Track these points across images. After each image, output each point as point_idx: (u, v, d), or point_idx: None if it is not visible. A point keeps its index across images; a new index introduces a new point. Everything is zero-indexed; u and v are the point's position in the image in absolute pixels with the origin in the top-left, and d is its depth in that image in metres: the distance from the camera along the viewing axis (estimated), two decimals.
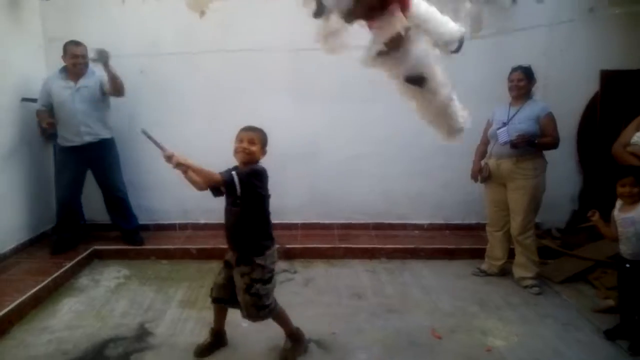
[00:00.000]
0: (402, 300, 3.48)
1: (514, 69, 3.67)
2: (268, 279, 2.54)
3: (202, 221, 4.76)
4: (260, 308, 2.54)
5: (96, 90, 4.10)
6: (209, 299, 3.37)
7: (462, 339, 2.92)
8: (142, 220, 4.57)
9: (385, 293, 3.63)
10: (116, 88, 4.06)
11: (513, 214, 3.65)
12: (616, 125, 3.50)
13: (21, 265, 3.84)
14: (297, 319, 3.13)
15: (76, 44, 4.01)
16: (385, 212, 4.86)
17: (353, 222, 4.86)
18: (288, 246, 4.31)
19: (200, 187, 2.49)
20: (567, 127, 4.65)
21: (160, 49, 4.49)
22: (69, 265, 3.82)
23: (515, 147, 3.49)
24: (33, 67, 4.42)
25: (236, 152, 2.50)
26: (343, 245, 4.40)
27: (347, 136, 4.68)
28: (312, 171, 4.72)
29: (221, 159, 4.75)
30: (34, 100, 4.24)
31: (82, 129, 4.05)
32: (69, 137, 4.09)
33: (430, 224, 4.86)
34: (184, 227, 4.78)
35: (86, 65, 4.07)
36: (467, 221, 4.84)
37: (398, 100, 4.72)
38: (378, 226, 4.87)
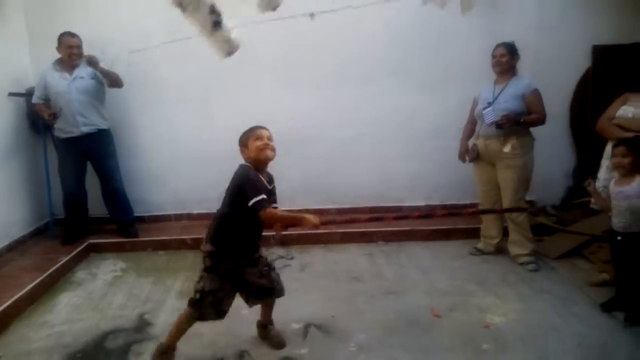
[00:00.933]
0: (400, 282, 3.50)
1: (498, 45, 3.62)
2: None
3: (196, 211, 4.76)
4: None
5: (91, 81, 4.10)
6: None
7: (460, 317, 2.95)
8: (138, 212, 4.56)
9: (383, 275, 3.65)
10: (112, 82, 4.16)
11: (503, 192, 3.65)
12: (609, 100, 3.48)
13: (16, 261, 3.82)
14: (296, 304, 3.16)
15: (71, 35, 4.01)
16: (382, 195, 4.85)
17: (349, 206, 4.85)
18: (284, 232, 4.28)
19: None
20: (560, 103, 4.66)
21: (148, 40, 4.41)
22: (64, 260, 3.80)
23: (500, 128, 3.45)
24: (18, 62, 4.36)
25: (261, 150, 2.36)
26: (340, 230, 4.40)
27: (341, 120, 4.66)
28: (306, 156, 4.70)
29: (216, 146, 4.76)
30: (21, 95, 4.19)
31: (79, 119, 4.04)
32: (67, 128, 4.07)
33: (427, 206, 4.87)
34: (179, 217, 4.76)
35: (80, 56, 4.07)
36: (462, 201, 4.83)
37: (391, 82, 4.74)
38: (374, 210, 4.86)
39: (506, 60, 3.55)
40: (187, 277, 3.66)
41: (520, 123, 3.45)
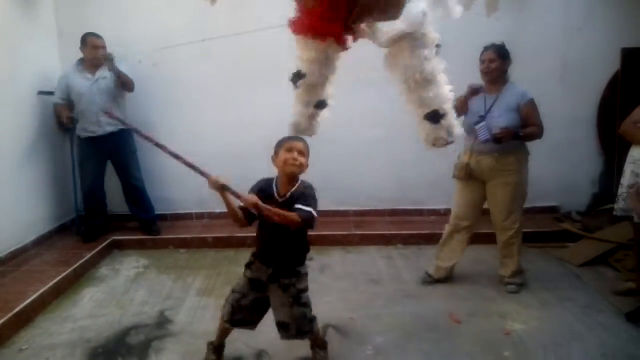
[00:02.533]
0: (419, 286, 3.47)
1: (485, 48, 3.24)
2: (307, 287, 2.42)
3: (218, 210, 4.78)
4: (312, 320, 2.41)
5: (114, 82, 4.17)
6: (224, 288, 3.44)
7: (480, 323, 2.91)
8: (160, 210, 4.63)
9: (401, 279, 3.62)
10: (123, 84, 4.20)
11: (496, 211, 3.29)
12: (638, 104, 3.39)
13: (43, 256, 3.92)
14: (315, 305, 3.13)
15: (96, 36, 4.10)
16: (401, 198, 4.83)
17: (368, 209, 4.84)
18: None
19: (243, 225, 2.29)
20: (587, 107, 4.57)
21: (172, 39, 4.48)
22: (89, 255, 3.89)
23: (499, 143, 3.08)
24: (48, 61, 4.48)
25: (285, 163, 2.27)
26: (359, 232, 4.39)
27: (359, 121, 4.64)
28: (325, 158, 4.68)
29: (236, 148, 4.81)
30: (50, 94, 4.30)
31: (102, 119, 4.12)
32: (90, 127, 4.16)
33: (447, 210, 4.76)
34: (200, 216, 4.82)
35: (104, 57, 4.12)
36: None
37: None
38: (394, 212, 4.84)
39: (496, 66, 3.17)
40: (207, 276, 3.71)
41: (518, 137, 3.12)
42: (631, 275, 3.37)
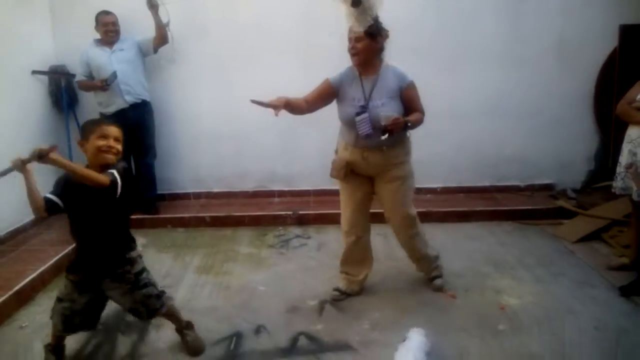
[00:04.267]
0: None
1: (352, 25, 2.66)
2: (144, 267, 2.34)
3: (215, 190, 4.81)
4: (160, 295, 2.35)
5: (133, 53, 4.22)
6: (222, 266, 3.47)
7: (475, 299, 2.95)
8: (158, 190, 4.63)
9: (397, 256, 3.64)
10: (162, 37, 4.23)
11: (388, 208, 2.92)
12: (636, 81, 3.39)
13: (41, 235, 3.93)
14: (312, 281, 3.21)
15: (106, 13, 4.14)
16: None
17: None
18: (301, 212, 4.34)
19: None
20: (584, 84, 4.56)
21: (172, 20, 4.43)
22: None
23: (390, 134, 2.57)
24: (41, 41, 4.41)
25: (99, 151, 2.08)
26: None
27: None
28: (321, 137, 4.68)
29: (235, 124, 4.80)
30: (44, 73, 4.26)
31: (122, 87, 4.12)
32: (110, 100, 4.14)
33: (444, 188, 4.84)
34: (197, 195, 4.83)
35: (117, 32, 4.18)
36: (480, 184, 4.80)
37: (408, 62, 4.60)
38: None
39: (364, 46, 2.59)
40: (205, 254, 3.74)
41: (407, 127, 2.65)
42: (624, 250, 3.41)
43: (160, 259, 3.67)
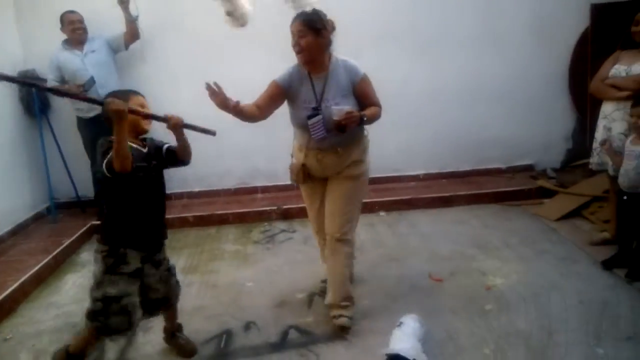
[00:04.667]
0: (402, 250, 3.52)
1: (294, 19, 2.41)
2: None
3: (197, 189, 4.75)
4: (179, 284, 2.43)
5: (104, 53, 4.13)
6: (208, 265, 3.44)
7: (461, 280, 2.98)
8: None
9: (384, 244, 3.67)
10: (133, 33, 4.16)
11: (331, 209, 2.60)
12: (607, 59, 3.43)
13: (20, 246, 3.83)
14: (300, 274, 3.20)
15: (71, 12, 4.04)
16: (380, 166, 4.79)
17: None
18: (285, 207, 4.32)
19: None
20: (559, 64, 4.62)
21: (141, 15, 4.33)
22: (68, 242, 3.83)
23: (343, 131, 2.36)
24: (9, 46, 4.29)
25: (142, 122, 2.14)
26: None
27: None
28: None
29: (214, 122, 4.72)
30: (9, 79, 4.14)
31: (100, 91, 3.99)
32: (88, 106, 4.00)
33: (426, 174, 4.87)
34: (179, 196, 4.76)
35: (85, 31, 4.09)
36: (461, 168, 4.84)
37: (382, 49, 4.59)
38: (374, 180, 4.80)
39: (308, 42, 2.34)
40: (190, 254, 3.70)
41: (363, 121, 2.45)
42: (605, 225, 3.47)
43: None
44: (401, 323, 2.34)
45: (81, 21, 4.06)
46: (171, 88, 4.52)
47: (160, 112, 4.44)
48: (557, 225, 3.72)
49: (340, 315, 2.53)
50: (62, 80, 4.06)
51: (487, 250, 3.38)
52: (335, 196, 2.57)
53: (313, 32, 2.35)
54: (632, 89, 2.95)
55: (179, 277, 3.24)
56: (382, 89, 4.51)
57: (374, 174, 4.76)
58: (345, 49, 4.47)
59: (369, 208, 4.37)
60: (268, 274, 3.28)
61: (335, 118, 2.32)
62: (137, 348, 2.55)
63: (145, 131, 2.15)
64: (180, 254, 3.71)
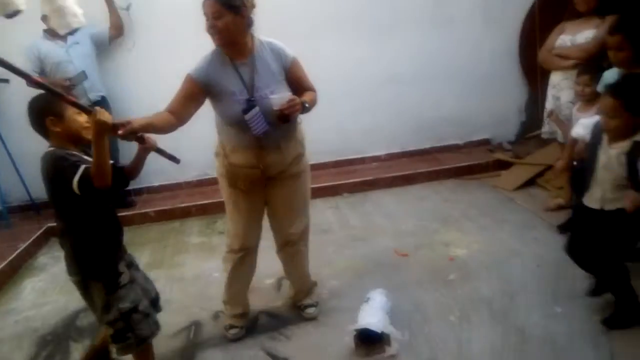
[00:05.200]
0: (367, 229, 3.57)
1: None
2: None
3: (156, 184, 4.64)
4: None
5: (88, 46, 3.97)
6: (173, 259, 3.37)
7: (426, 254, 3.05)
8: None
9: (350, 225, 3.70)
10: (117, 24, 4.04)
11: (281, 213, 2.41)
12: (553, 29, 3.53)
13: None
14: (268, 261, 3.15)
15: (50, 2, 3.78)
16: (342, 149, 4.86)
17: (312, 162, 4.81)
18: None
19: None
20: (508, 39, 4.72)
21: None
22: (24, 246, 3.67)
23: (287, 121, 2.11)
24: None
25: (84, 127, 1.84)
26: None
27: None
28: None
29: None
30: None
31: (86, 85, 3.89)
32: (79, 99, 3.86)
33: (388, 154, 4.91)
34: (138, 191, 4.62)
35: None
36: (421, 147, 4.91)
37: (338, 33, 4.54)
38: (337, 164, 4.88)
39: (226, 23, 2.01)
40: (154, 249, 3.63)
41: (305, 109, 2.19)
42: (560, 192, 3.61)
43: None
44: (368, 298, 2.38)
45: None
46: (153, 79, 4.31)
47: (139, 106, 4.23)
48: (514, 195, 3.85)
49: (310, 306, 2.56)
50: (43, 73, 3.81)
51: (449, 223, 3.46)
52: (286, 198, 2.36)
53: (230, 11, 2.01)
54: (577, 58, 3.06)
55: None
56: (342, 72, 4.58)
57: (337, 157, 4.87)
58: (301, 34, 4.48)
59: (334, 190, 4.40)
60: None
61: (277, 108, 2.05)
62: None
63: (88, 141, 1.81)
64: (143, 250, 3.63)
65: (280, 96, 2.08)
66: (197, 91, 2.13)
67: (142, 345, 1.98)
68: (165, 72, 4.30)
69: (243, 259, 2.43)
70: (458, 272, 2.77)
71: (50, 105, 1.79)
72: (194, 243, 3.68)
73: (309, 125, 4.97)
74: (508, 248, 2.99)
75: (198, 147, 4.58)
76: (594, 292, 2.43)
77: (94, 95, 3.95)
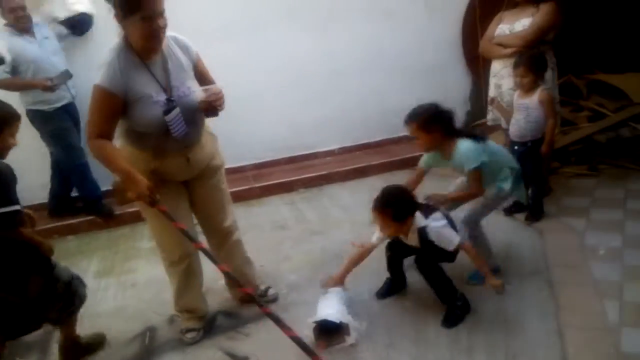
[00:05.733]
0: (324, 223, 3.57)
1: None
2: None
3: (104, 188, 4.41)
4: None
5: (55, 40, 3.76)
6: (124, 265, 3.25)
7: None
8: (35, 199, 4.16)
9: (307, 219, 3.70)
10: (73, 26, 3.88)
11: (213, 212, 2.40)
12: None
13: None
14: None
15: None
16: (295, 145, 4.84)
17: (265, 160, 4.80)
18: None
19: None
20: (451, 30, 4.85)
21: None
22: None
23: (215, 114, 2.15)
24: None
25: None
26: (258, 185, 4.36)
27: (236, 74, 4.43)
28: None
29: None
30: None
31: (68, 82, 3.72)
32: (54, 97, 3.65)
33: (341, 148, 4.94)
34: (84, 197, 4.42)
35: (29, 18, 3.60)
36: (373, 139, 4.98)
37: (280, 27, 4.47)
38: (291, 160, 4.86)
39: (165, 21, 1.94)
40: (103, 257, 3.49)
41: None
42: None
43: None
44: (326, 291, 2.38)
45: (24, 8, 3.54)
46: None
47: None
48: None
49: (267, 288, 2.63)
50: (16, 73, 3.54)
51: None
52: (215, 193, 2.35)
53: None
54: (515, 46, 3.17)
55: (92, 282, 3.10)
56: (289, 67, 4.55)
57: (290, 153, 4.84)
58: (246, 29, 4.41)
59: (289, 187, 4.38)
60: None
61: (204, 99, 2.04)
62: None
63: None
64: (92, 257, 3.49)
65: (204, 88, 2.05)
66: (119, 103, 1.94)
67: None
68: None
69: (189, 267, 2.35)
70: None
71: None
72: (145, 248, 3.55)
73: (259, 121, 4.95)
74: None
75: None
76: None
77: (74, 91, 3.79)
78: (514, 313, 2.26)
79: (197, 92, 2.05)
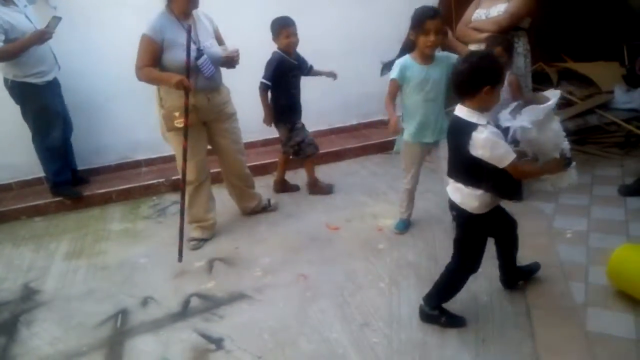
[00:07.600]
0: (299, 205, 3.57)
1: None
2: None
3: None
4: None
5: (30, 6, 3.62)
6: (94, 247, 3.19)
7: (356, 226, 3.11)
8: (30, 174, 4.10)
9: (281, 202, 3.68)
10: None
11: (232, 149, 3.13)
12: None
13: None
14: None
15: None
16: (270, 128, 4.79)
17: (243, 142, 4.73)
18: (174, 177, 4.11)
19: None
20: None
21: None
22: None
23: (233, 66, 3.00)
24: None
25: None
26: None
27: None
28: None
29: (82, 98, 4.25)
30: None
31: (54, 55, 3.63)
32: (46, 69, 3.56)
33: (316, 131, 4.88)
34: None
35: None
36: (349, 123, 4.98)
37: (260, 11, 4.37)
38: (265, 142, 4.82)
39: None
40: (72, 239, 3.39)
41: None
42: None
43: (20, 253, 3.25)
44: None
45: None
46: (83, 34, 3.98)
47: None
48: (435, 165, 4.00)
49: (267, 201, 3.49)
50: (7, 42, 3.31)
51: (377, 195, 3.56)
52: (232, 139, 3.08)
53: None
54: (490, 30, 3.20)
55: (61, 264, 3.02)
56: (260, 52, 4.44)
57: (265, 135, 4.78)
58: (221, 10, 4.29)
59: (264, 169, 4.34)
60: (162, 247, 3.12)
61: (225, 55, 2.88)
62: (21, 343, 2.32)
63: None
64: (61, 239, 3.39)
65: (224, 47, 2.93)
66: (157, 48, 2.69)
67: None
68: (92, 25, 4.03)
69: (199, 186, 3.03)
70: (386, 242, 2.86)
71: None
72: (116, 230, 3.48)
73: (236, 104, 4.82)
74: (431, 216, 3.14)
75: (117, 129, 4.34)
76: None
77: (59, 64, 3.71)
78: (485, 294, 2.32)
79: (217, 48, 2.89)
